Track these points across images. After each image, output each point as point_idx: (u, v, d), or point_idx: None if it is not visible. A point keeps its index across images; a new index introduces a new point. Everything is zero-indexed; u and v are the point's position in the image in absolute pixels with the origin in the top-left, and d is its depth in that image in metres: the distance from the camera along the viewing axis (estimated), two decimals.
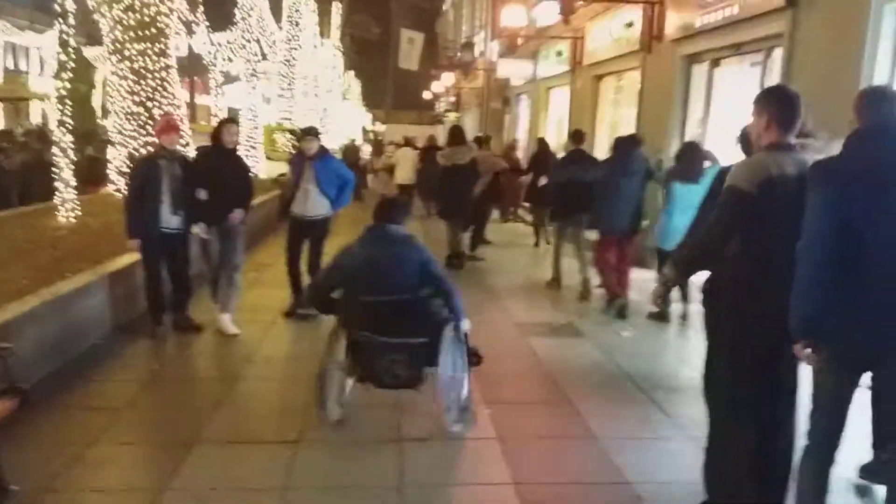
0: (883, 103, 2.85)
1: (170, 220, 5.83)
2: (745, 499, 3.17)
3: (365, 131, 50.81)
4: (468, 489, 3.80)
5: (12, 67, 35.12)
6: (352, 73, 47.70)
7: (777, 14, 6.92)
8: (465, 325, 4.33)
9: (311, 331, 6.52)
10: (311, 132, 6.92)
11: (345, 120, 43.82)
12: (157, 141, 6.06)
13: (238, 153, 6.56)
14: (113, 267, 6.21)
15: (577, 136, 8.36)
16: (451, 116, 34.99)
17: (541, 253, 10.87)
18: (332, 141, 32.78)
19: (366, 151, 30.64)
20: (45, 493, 3.50)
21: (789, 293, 2.78)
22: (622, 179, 7.00)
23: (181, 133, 6.25)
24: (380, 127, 53.59)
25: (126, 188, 6.50)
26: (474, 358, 4.48)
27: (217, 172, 6.00)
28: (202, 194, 5.93)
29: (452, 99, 36.04)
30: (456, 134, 9.63)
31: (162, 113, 10.23)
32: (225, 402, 4.78)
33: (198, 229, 6.05)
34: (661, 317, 6.76)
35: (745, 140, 3.81)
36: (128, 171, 8.39)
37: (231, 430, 4.34)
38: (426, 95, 41.97)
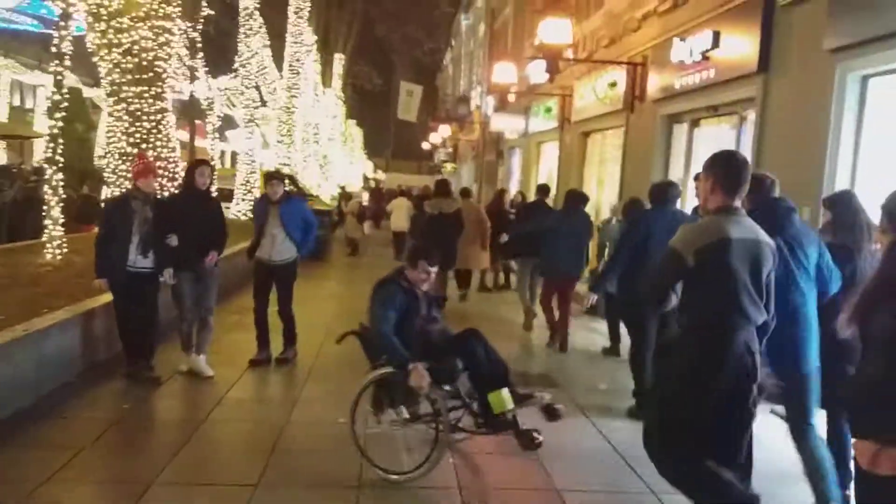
0: None
1: (137, 259, 5.84)
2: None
3: (366, 179, 51.40)
4: None
5: (18, 104, 35.68)
6: (353, 121, 48.51)
7: (749, 79, 7.15)
8: None
9: (284, 374, 6.58)
10: (275, 176, 6.96)
11: (345, 167, 44.39)
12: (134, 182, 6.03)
13: (212, 195, 6.63)
14: (89, 305, 6.26)
15: (541, 189, 9.56)
16: (449, 167, 35.48)
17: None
18: (333, 188, 33.22)
19: (364, 198, 31.03)
20: None
21: (733, 353, 3.02)
22: (565, 230, 7.80)
23: (158, 176, 6.27)
24: (381, 175, 54.23)
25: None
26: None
27: (190, 215, 6.01)
28: (173, 240, 5.91)
29: (450, 150, 36.56)
30: (441, 186, 9.98)
31: (155, 155, 10.45)
32: (190, 444, 4.78)
33: (165, 276, 6.02)
34: (613, 352, 7.62)
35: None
36: None
37: (190, 472, 4.35)
38: (425, 146, 42.61)
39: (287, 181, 19.34)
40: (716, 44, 7.74)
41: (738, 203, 3.20)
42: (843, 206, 4.23)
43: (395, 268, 4.68)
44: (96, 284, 5.91)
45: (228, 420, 5.33)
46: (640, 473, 4.43)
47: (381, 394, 4.36)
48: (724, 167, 3.23)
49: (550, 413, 4.37)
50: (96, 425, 4.97)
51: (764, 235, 3.20)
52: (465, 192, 11.73)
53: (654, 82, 9.61)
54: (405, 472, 4.28)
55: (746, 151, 7.42)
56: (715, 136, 8.61)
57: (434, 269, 4.54)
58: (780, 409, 4.33)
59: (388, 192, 27.07)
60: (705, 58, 7.98)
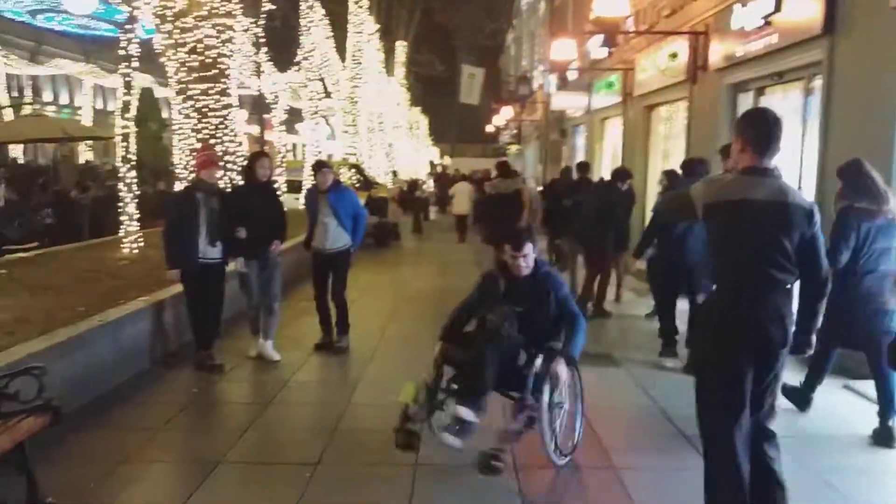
0: None
1: (207, 250, 6.04)
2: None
3: (432, 165, 51.65)
4: None
5: (101, 107, 37.39)
6: (418, 109, 48.71)
7: (815, 42, 6.84)
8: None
9: (349, 358, 6.74)
10: (323, 165, 7.00)
11: (411, 154, 44.70)
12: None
13: (272, 186, 6.78)
14: (161, 296, 6.55)
15: (582, 166, 10.16)
16: (513, 149, 35.28)
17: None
18: (401, 174, 33.55)
19: (430, 184, 31.23)
20: None
21: (762, 313, 3.03)
22: (601, 206, 8.21)
23: (220, 168, 6.37)
24: (447, 160, 54.40)
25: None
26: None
27: (254, 206, 6.20)
28: (242, 233, 6.10)
29: (514, 132, 36.31)
30: (501, 167, 9.98)
31: (223, 150, 10.80)
32: (256, 425, 4.98)
33: (237, 264, 6.28)
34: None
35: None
36: None
37: (256, 452, 4.54)
38: (489, 129, 42.43)
39: (354, 170, 19.78)
40: (778, 7, 7.42)
41: (768, 163, 3.11)
42: (855, 174, 4.63)
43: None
44: (170, 276, 6.10)
45: (293, 402, 5.52)
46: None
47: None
48: (753, 126, 3.16)
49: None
50: (168, 409, 5.23)
51: (797, 197, 3.12)
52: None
53: (717, 51, 9.30)
54: None
55: (814, 119, 7.13)
56: (781, 104, 8.27)
57: (520, 252, 4.27)
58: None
59: (453, 178, 27.21)
60: (767, 22, 7.67)
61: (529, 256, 4.32)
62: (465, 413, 3.95)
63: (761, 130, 3.11)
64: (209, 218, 6.00)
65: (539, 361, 4.14)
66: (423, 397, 4.17)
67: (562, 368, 4.16)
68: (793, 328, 3.15)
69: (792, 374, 6.07)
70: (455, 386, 4.27)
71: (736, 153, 3.20)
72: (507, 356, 4.15)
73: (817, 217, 3.15)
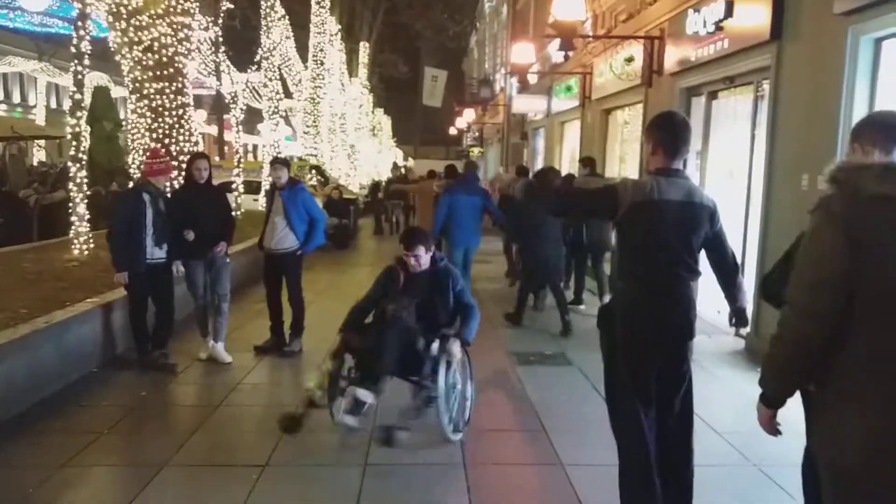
0: None
1: (154, 251, 5.95)
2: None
3: (395, 166, 51.50)
4: None
5: (55, 107, 36.58)
6: (381, 110, 48.57)
7: (763, 47, 6.99)
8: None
9: (302, 360, 6.66)
10: (278, 160, 6.85)
11: (374, 156, 44.55)
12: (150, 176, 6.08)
13: (216, 187, 6.65)
14: (109, 298, 6.41)
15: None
16: (476, 151, 35.34)
17: None
18: (362, 177, 33.38)
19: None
20: None
21: (671, 306, 3.21)
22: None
23: (170, 178, 6.20)
24: (410, 162, 54.34)
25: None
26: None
27: (196, 207, 6.09)
28: (189, 235, 6.03)
29: (476, 134, 36.45)
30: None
31: (178, 150, 10.63)
32: (204, 427, 4.91)
33: (176, 266, 6.17)
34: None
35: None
36: None
37: (202, 455, 4.47)
38: (452, 131, 42.51)
39: (314, 171, 19.60)
40: (729, 13, 7.56)
41: (678, 165, 3.24)
42: None
43: None
44: (118, 278, 5.97)
45: (243, 404, 5.45)
46: None
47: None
48: (664, 129, 3.25)
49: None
50: (114, 412, 5.13)
51: (704, 198, 3.29)
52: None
53: (671, 55, 9.45)
54: None
55: (763, 123, 7.28)
56: (732, 108, 8.44)
57: (410, 252, 4.67)
58: None
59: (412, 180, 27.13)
60: (719, 28, 7.81)
61: (421, 257, 4.67)
62: (363, 394, 4.25)
63: (671, 133, 3.22)
64: (155, 219, 5.91)
65: (436, 346, 4.48)
66: (326, 385, 4.47)
67: (455, 347, 4.48)
68: (695, 321, 3.35)
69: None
70: (355, 373, 4.54)
71: (647, 155, 3.33)
72: (405, 343, 4.46)
73: (719, 215, 3.37)
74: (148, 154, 6.44)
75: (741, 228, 7.51)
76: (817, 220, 2.08)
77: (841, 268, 1.99)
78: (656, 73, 10.02)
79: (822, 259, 2.04)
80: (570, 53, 13.25)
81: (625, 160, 12.44)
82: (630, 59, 10.77)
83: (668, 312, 3.23)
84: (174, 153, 10.51)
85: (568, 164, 16.20)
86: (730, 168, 8.34)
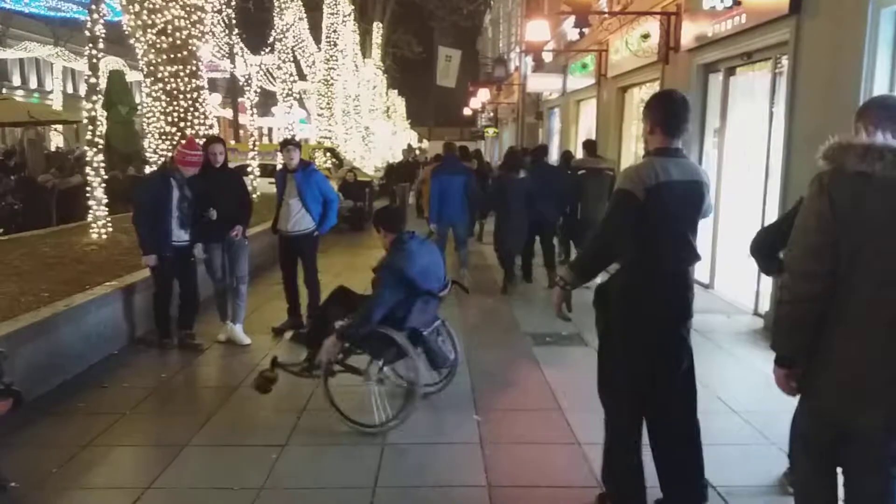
0: None
1: (179, 234, 6.03)
2: (638, 483, 3.31)
3: (410, 148, 51.41)
4: (440, 491, 3.87)
5: (71, 92, 36.78)
6: (395, 91, 48.38)
7: (782, 22, 6.87)
8: None
9: None
10: (289, 142, 6.85)
11: (388, 138, 44.44)
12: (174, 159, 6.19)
13: (232, 170, 6.67)
14: (129, 281, 6.48)
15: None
16: (490, 132, 35.21)
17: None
18: (377, 158, 33.33)
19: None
20: (34, 490, 3.73)
21: (675, 292, 3.17)
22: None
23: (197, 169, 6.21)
24: (425, 144, 54.22)
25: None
26: None
27: (213, 192, 6.13)
28: (212, 214, 6.10)
29: (491, 114, 36.24)
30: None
31: (193, 133, 10.66)
32: (224, 408, 4.97)
33: (195, 250, 6.27)
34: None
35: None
36: None
37: (222, 434, 4.52)
38: (466, 112, 42.30)
39: (329, 154, 19.59)
40: None
41: (677, 144, 3.17)
42: None
43: None
44: (146, 261, 6.03)
45: None
46: None
47: None
48: (662, 108, 3.19)
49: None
50: (136, 393, 5.20)
51: (703, 176, 3.26)
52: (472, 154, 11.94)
53: (688, 32, 9.32)
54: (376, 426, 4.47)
55: (782, 99, 7.18)
56: (750, 85, 8.32)
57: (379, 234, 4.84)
58: None
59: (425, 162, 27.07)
60: (737, 2, 7.69)
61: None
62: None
63: (670, 112, 3.16)
64: (180, 203, 5.98)
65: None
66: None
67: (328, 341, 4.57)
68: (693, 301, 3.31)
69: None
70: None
71: (645, 135, 3.26)
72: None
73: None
74: (184, 143, 6.45)
75: (759, 205, 7.44)
76: (810, 192, 2.37)
77: (830, 233, 2.29)
78: (673, 49, 9.90)
79: (813, 227, 2.33)
80: (586, 31, 13.09)
81: (641, 138, 12.34)
82: (646, 36, 10.64)
83: (672, 294, 3.20)
84: (189, 136, 10.54)
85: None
86: (748, 145, 8.24)
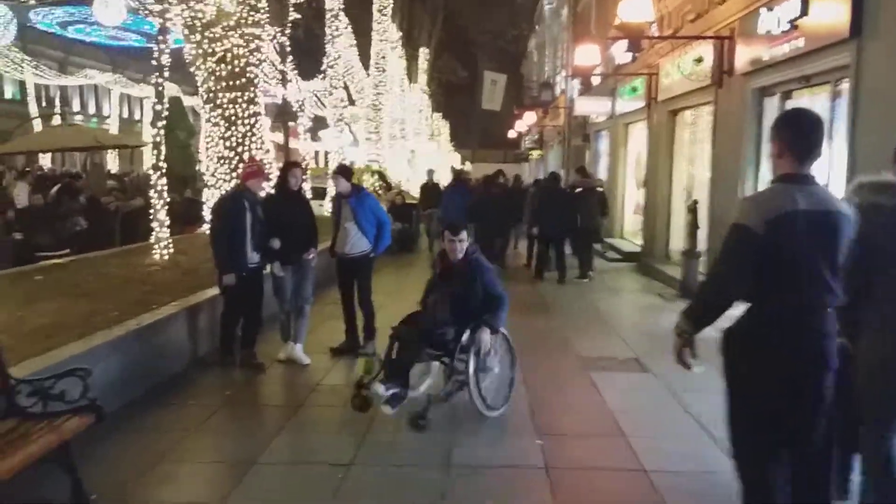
0: None
1: (252, 256, 6.23)
2: None
3: (453, 170, 51.75)
4: None
5: (127, 116, 38.04)
6: (439, 114, 48.81)
7: (842, 45, 6.81)
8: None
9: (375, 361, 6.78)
10: (339, 171, 7.02)
11: (432, 160, 44.75)
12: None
13: (303, 195, 6.87)
14: (195, 300, 6.67)
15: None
16: (535, 154, 35.25)
17: None
18: (422, 180, 33.54)
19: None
20: None
21: (804, 339, 2.77)
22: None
23: (267, 180, 6.42)
24: (468, 166, 54.51)
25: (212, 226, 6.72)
26: None
27: (287, 214, 6.32)
28: (276, 243, 6.27)
29: (536, 137, 36.31)
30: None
31: (250, 157, 10.93)
32: (288, 427, 5.07)
33: (273, 268, 6.42)
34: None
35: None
36: None
37: (289, 453, 4.63)
38: (511, 134, 42.45)
39: (377, 176, 19.84)
40: (804, 11, 7.40)
41: (808, 169, 2.80)
42: None
43: None
44: (227, 280, 6.14)
45: (324, 404, 5.59)
46: None
47: None
48: (792, 129, 2.84)
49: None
50: (201, 411, 5.33)
51: (841, 206, 2.83)
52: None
53: (743, 55, 9.28)
54: None
55: (841, 123, 7.09)
56: (808, 108, 8.22)
57: (456, 238, 5.20)
58: None
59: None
60: (794, 26, 7.65)
61: (463, 241, 5.21)
62: (381, 389, 4.80)
63: (801, 133, 2.81)
64: (254, 224, 6.17)
65: (467, 334, 5.03)
66: (376, 369, 5.06)
67: (485, 335, 4.98)
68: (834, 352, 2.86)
69: None
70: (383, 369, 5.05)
71: (774, 158, 2.90)
72: (436, 335, 5.05)
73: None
74: (245, 164, 6.71)
75: None
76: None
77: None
78: (727, 73, 9.85)
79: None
80: (637, 54, 13.11)
81: (693, 162, 12.25)
82: (699, 60, 10.60)
83: (801, 341, 2.80)
84: (251, 157, 10.82)
85: (633, 166, 16.06)
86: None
